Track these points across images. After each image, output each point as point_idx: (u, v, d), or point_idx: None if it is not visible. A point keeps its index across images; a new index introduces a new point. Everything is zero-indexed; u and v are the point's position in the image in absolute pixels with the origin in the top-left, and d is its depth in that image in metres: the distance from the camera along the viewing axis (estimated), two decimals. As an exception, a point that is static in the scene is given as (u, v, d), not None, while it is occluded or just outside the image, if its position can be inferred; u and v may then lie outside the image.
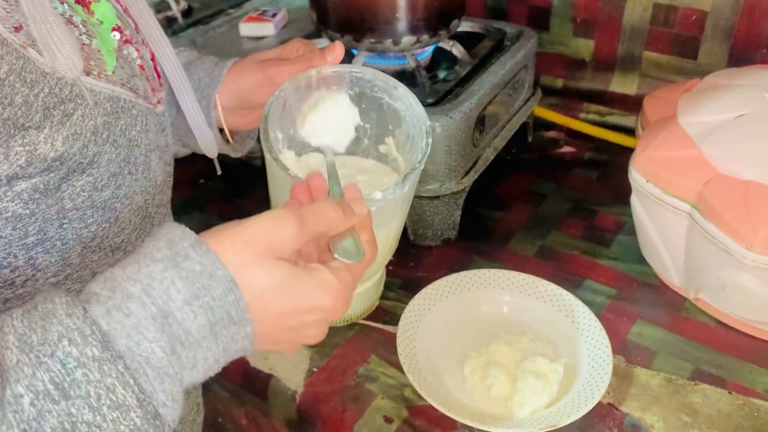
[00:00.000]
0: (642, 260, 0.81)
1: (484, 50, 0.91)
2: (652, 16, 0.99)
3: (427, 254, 0.86)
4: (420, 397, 0.65)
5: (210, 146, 0.65)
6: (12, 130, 0.39)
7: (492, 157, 0.90)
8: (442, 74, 0.90)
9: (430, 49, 0.92)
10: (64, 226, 0.45)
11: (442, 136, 0.78)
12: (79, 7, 0.46)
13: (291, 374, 0.71)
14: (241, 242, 0.40)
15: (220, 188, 1.00)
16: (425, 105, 0.62)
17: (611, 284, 0.79)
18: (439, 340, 0.72)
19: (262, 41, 1.01)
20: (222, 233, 0.40)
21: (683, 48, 0.99)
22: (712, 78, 0.83)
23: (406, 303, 0.74)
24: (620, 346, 0.71)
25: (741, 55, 0.95)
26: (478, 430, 0.63)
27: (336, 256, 0.45)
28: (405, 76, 0.86)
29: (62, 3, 0.44)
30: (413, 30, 0.82)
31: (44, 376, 0.33)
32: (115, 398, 0.34)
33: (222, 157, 0.69)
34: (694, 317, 0.75)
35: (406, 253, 0.85)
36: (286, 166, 0.55)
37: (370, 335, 0.75)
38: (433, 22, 0.83)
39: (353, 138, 0.64)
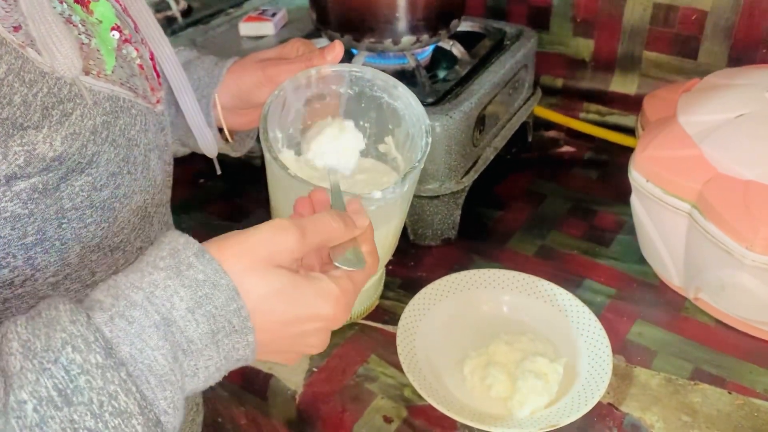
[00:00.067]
0: (642, 260, 0.81)
1: (484, 50, 0.91)
2: (652, 15, 0.99)
3: (427, 254, 0.86)
4: (420, 397, 0.65)
5: (209, 146, 0.65)
6: (10, 130, 0.39)
7: (492, 157, 0.90)
8: (441, 74, 0.90)
9: (429, 49, 0.92)
10: (63, 225, 0.45)
11: (441, 136, 0.78)
12: (78, 7, 0.45)
13: (291, 374, 0.71)
14: (242, 251, 0.40)
15: (219, 188, 1.00)
16: (425, 105, 0.62)
17: (611, 284, 0.79)
18: (438, 339, 0.72)
19: (262, 41, 1.01)
20: (224, 242, 0.41)
21: (683, 48, 0.99)
22: (712, 78, 0.83)
23: (406, 303, 0.74)
24: (620, 345, 0.71)
25: (741, 55, 0.95)
26: (478, 429, 0.63)
27: (336, 264, 0.45)
28: (405, 76, 0.86)
29: (61, 2, 0.43)
30: (413, 30, 0.82)
31: (48, 382, 0.33)
32: (118, 405, 0.34)
33: (222, 157, 0.69)
34: (693, 317, 0.75)
35: (405, 252, 0.85)
36: (285, 165, 0.55)
37: (369, 335, 0.75)
38: (433, 21, 0.83)
39: (356, 164, 0.64)
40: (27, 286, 0.45)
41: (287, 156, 0.64)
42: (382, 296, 0.79)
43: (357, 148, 0.63)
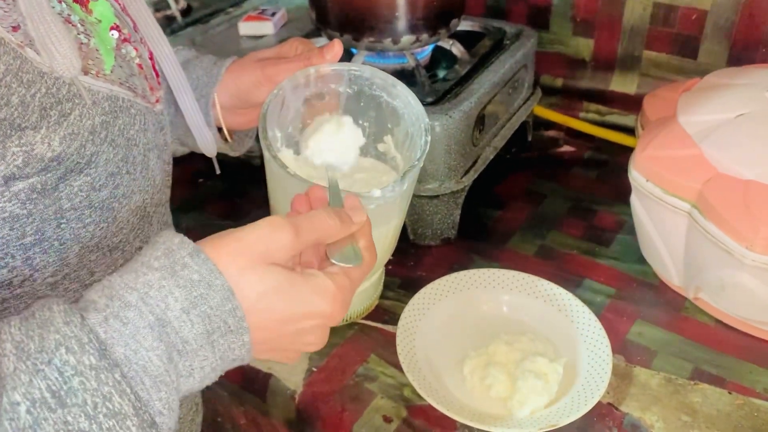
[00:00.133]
0: (642, 260, 0.81)
1: (484, 49, 0.91)
2: (652, 15, 0.99)
3: (427, 254, 0.86)
4: (419, 396, 0.65)
5: (208, 145, 0.65)
6: (8, 131, 0.39)
7: (491, 157, 0.90)
8: (441, 73, 0.89)
9: (429, 48, 0.91)
10: (62, 226, 0.45)
11: (441, 136, 0.78)
12: (77, 6, 0.45)
13: (290, 374, 0.70)
14: (237, 250, 0.40)
15: (219, 187, 1.00)
16: (425, 104, 0.62)
17: (611, 284, 0.79)
18: (438, 339, 0.72)
19: (261, 40, 1.01)
20: (219, 241, 0.41)
21: (683, 47, 0.99)
22: (712, 77, 0.83)
23: (406, 302, 0.74)
24: (620, 345, 0.71)
25: (741, 55, 0.95)
26: (478, 429, 0.63)
27: (333, 260, 0.45)
28: (404, 75, 0.85)
29: (60, 2, 0.43)
30: (413, 29, 0.82)
31: (41, 384, 0.33)
32: (112, 407, 0.34)
33: (221, 156, 0.69)
34: (693, 317, 0.74)
35: (405, 252, 0.85)
36: (284, 164, 0.54)
37: (369, 335, 0.74)
38: (433, 21, 0.83)
39: (356, 160, 0.64)
40: (26, 286, 0.45)
41: (286, 155, 0.64)
42: (382, 296, 0.79)
43: (356, 143, 0.63)
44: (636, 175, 0.73)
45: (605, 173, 0.98)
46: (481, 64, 0.88)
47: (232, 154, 0.70)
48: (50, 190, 0.43)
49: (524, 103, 0.98)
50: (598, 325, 0.70)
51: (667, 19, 0.98)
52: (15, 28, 0.39)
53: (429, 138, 0.59)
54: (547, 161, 1.03)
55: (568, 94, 1.10)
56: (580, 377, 0.66)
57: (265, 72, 0.61)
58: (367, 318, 0.76)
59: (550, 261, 0.83)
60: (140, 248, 0.52)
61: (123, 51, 0.49)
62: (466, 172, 0.85)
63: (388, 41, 0.83)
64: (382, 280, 0.79)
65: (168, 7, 1.08)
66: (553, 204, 0.93)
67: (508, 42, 0.94)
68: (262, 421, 0.74)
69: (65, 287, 0.47)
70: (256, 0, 1.13)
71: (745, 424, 0.63)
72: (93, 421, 0.34)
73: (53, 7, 0.42)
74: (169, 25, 1.05)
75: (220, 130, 0.67)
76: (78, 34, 0.44)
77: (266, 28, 1.02)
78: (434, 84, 0.84)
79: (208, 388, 0.42)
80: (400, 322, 0.72)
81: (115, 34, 0.48)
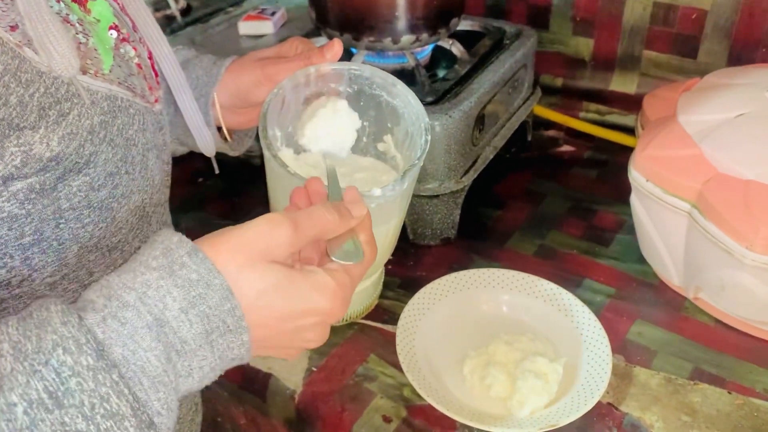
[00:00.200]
0: (641, 259, 0.81)
1: (484, 49, 0.91)
2: (652, 14, 0.99)
3: (427, 253, 0.86)
4: (419, 396, 0.65)
5: (208, 145, 0.65)
6: (6, 131, 0.39)
7: (491, 156, 0.90)
8: (441, 73, 0.89)
9: (429, 48, 0.91)
10: (61, 226, 0.45)
11: (441, 135, 0.78)
12: (75, 6, 0.45)
13: (290, 374, 0.70)
14: (236, 248, 0.40)
15: (219, 187, 1.00)
16: (424, 104, 0.62)
17: (611, 283, 0.79)
18: (438, 339, 0.72)
19: (261, 40, 1.01)
20: (217, 240, 0.40)
21: (683, 47, 0.99)
22: (712, 77, 0.83)
23: (405, 302, 0.74)
24: (620, 345, 0.71)
25: (741, 54, 0.95)
26: (478, 429, 0.62)
27: (333, 258, 0.44)
28: (404, 75, 0.85)
29: (58, 2, 0.43)
30: (412, 29, 0.82)
31: (38, 384, 0.33)
32: (109, 407, 0.34)
33: (221, 156, 0.69)
34: (693, 317, 0.74)
35: (405, 252, 0.85)
36: (285, 163, 0.54)
37: (369, 334, 0.74)
38: (433, 20, 0.83)
39: (354, 143, 0.63)
40: (24, 286, 0.45)
41: (286, 154, 0.64)
42: (382, 296, 0.79)
43: (353, 126, 0.62)
44: (636, 175, 0.73)
45: (605, 173, 0.98)
46: (481, 63, 0.88)
47: (232, 153, 0.70)
48: (49, 190, 0.43)
49: (524, 103, 0.98)
50: (598, 324, 0.70)
51: (667, 18, 0.98)
52: (13, 28, 0.39)
53: (429, 137, 0.59)
54: (547, 161, 1.02)
55: (567, 94, 1.10)
56: (580, 377, 0.66)
57: (265, 71, 0.61)
58: (366, 318, 0.76)
59: (549, 261, 0.83)
60: (139, 248, 0.52)
61: (122, 51, 0.49)
62: (466, 171, 0.85)
63: (387, 41, 0.83)
64: (382, 280, 0.79)
65: (168, 6, 1.08)
66: (552, 204, 0.93)
67: (507, 42, 0.94)
68: (262, 421, 0.74)
69: (64, 287, 0.47)
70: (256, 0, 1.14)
71: (745, 424, 0.63)
72: (90, 422, 0.34)
73: (51, 7, 0.42)
74: (168, 24, 1.05)
75: (219, 129, 0.67)
76: (76, 33, 0.44)
77: (266, 27, 1.02)
78: (434, 84, 0.84)
79: (207, 387, 0.42)
80: (400, 322, 0.72)
81: (114, 33, 0.48)
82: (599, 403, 0.64)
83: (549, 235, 0.87)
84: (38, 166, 0.41)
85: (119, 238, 0.50)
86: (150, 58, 0.54)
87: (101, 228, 0.47)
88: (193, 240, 0.40)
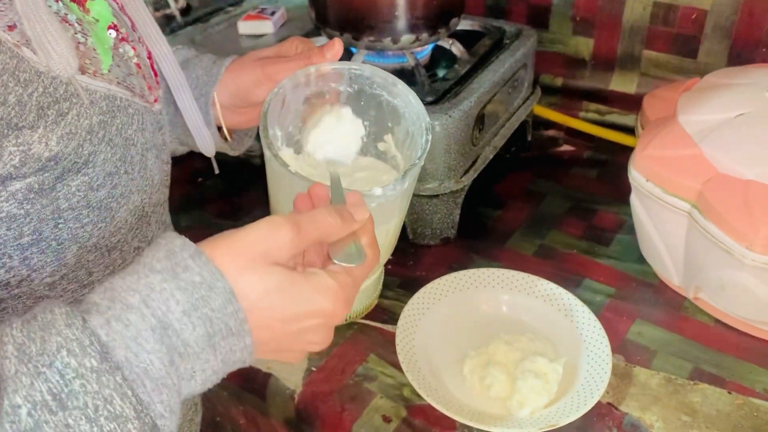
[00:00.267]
0: (641, 259, 0.81)
1: (484, 49, 0.91)
2: (652, 14, 0.99)
3: (426, 253, 0.86)
4: (419, 396, 0.65)
5: (207, 145, 0.64)
6: (5, 130, 0.38)
7: (491, 156, 0.90)
8: (441, 73, 0.89)
9: (429, 48, 0.91)
10: (60, 226, 0.45)
11: (441, 135, 0.78)
12: (74, 6, 0.45)
13: (289, 374, 0.70)
14: (237, 250, 0.40)
15: (219, 187, 1.00)
16: (424, 104, 0.62)
17: (610, 283, 0.79)
18: (438, 339, 0.72)
19: (261, 39, 1.01)
20: (219, 242, 0.40)
21: (683, 47, 0.99)
22: (712, 77, 0.83)
23: (405, 302, 0.74)
24: (620, 345, 0.71)
25: (741, 54, 0.95)
26: (477, 429, 0.62)
27: (335, 260, 0.44)
28: (404, 75, 0.85)
29: (57, 1, 0.43)
30: (412, 28, 0.82)
31: (42, 386, 0.33)
32: (113, 409, 0.34)
33: (220, 156, 0.69)
34: (693, 317, 0.74)
35: (405, 252, 0.85)
36: (285, 162, 0.54)
37: (368, 334, 0.74)
38: (433, 20, 0.83)
39: (358, 150, 0.63)
40: (23, 286, 0.45)
41: (286, 154, 0.64)
42: (381, 295, 0.79)
43: (357, 134, 0.62)
44: (636, 175, 0.73)
45: (605, 173, 0.98)
46: (480, 63, 0.88)
47: (232, 153, 0.70)
48: (48, 190, 0.43)
49: (524, 103, 0.98)
50: (598, 324, 0.70)
51: (667, 18, 0.98)
52: (11, 28, 0.39)
53: (430, 137, 0.59)
54: (547, 161, 1.02)
55: (567, 94, 1.10)
56: (580, 377, 0.66)
57: (265, 71, 0.61)
58: (366, 318, 0.76)
59: (549, 260, 0.83)
60: (138, 248, 0.52)
61: (121, 50, 0.49)
62: (466, 171, 0.85)
63: (387, 40, 0.83)
64: (382, 280, 0.79)
65: (167, 6, 1.07)
66: (552, 203, 0.93)
67: (507, 41, 0.94)
68: (262, 421, 0.74)
69: (63, 287, 0.47)
70: (256, -1, 1.13)
71: (745, 424, 0.63)
72: (94, 424, 0.34)
73: (50, 7, 0.42)
74: (168, 24, 1.05)
75: (219, 129, 0.67)
76: (75, 33, 0.44)
77: (266, 27, 1.02)
78: (434, 83, 0.84)
79: (207, 388, 0.42)
80: (400, 322, 0.72)
81: (113, 33, 0.48)
82: (599, 403, 0.64)
83: (549, 235, 0.87)
84: (37, 166, 0.41)
85: (118, 238, 0.50)
86: (149, 57, 0.54)
87: (100, 228, 0.47)
88: (193, 241, 0.40)
